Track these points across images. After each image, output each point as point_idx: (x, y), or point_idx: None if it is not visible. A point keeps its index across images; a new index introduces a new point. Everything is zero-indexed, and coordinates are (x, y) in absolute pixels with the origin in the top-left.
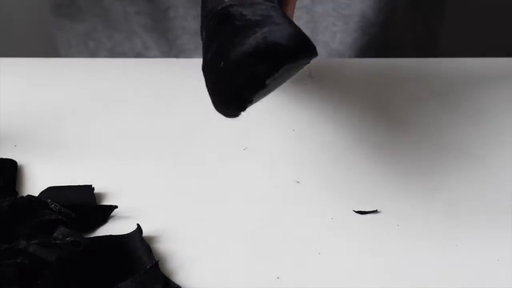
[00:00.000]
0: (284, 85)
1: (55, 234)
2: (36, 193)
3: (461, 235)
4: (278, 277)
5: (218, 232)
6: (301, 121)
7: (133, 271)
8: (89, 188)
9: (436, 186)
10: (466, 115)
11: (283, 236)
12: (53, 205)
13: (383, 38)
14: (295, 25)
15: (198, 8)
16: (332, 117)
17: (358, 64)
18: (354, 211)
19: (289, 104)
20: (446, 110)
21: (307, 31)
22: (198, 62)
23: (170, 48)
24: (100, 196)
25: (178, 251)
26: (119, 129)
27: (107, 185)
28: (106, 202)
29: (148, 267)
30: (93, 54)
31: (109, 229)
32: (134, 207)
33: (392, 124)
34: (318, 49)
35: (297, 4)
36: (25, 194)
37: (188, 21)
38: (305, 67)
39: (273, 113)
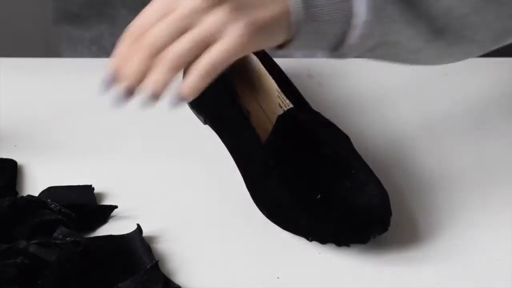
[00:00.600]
0: None
1: (55, 234)
2: (36, 193)
3: (461, 235)
4: (278, 277)
5: (218, 232)
6: None
7: (133, 271)
8: (89, 188)
9: (436, 186)
10: (466, 115)
11: (283, 236)
12: (53, 205)
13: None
14: None
15: None
16: (332, 117)
17: (358, 64)
18: None
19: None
20: (447, 110)
21: None
22: None
23: None
24: (100, 196)
25: (178, 251)
26: (119, 129)
27: (107, 185)
28: (106, 202)
29: (148, 267)
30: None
31: (109, 229)
32: (134, 207)
33: (392, 124)
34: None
35: None
36: (25, 194)
37: None
38: (305, 67)
39: None
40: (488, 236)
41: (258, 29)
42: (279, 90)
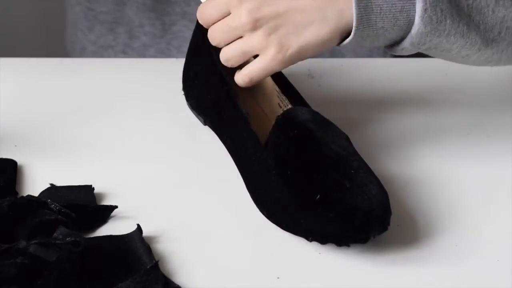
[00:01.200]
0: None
1: (55, 234)
2: (36, 193)
3: (461, 235)
4: (278, 277)
5: (218, 233)
6: None
7: (133, 271)
8: (89, 188)
9: (436, 186)
10: (466, 115)
11: (283, 236)
12: (53, 205)
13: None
14: None
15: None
16: (332, 116)
17: (358, 64)
18: None
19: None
20: (447, 110)
21: None
22: None
23: (165, 33)
24: (100, 196)
25: (178, 251)
26: (119, 129)
27: (107, 185)
28: (106, 202)
29: (148, 267)
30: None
31: (109, 229)
32: (134, 207)
33: (392, 124)
34: None
35: None
36: (25, 194)
37: (192, 6)
38: (305, 67)
39: None
40: (488, 236)
41: (296, 53)
42: (278, 90)
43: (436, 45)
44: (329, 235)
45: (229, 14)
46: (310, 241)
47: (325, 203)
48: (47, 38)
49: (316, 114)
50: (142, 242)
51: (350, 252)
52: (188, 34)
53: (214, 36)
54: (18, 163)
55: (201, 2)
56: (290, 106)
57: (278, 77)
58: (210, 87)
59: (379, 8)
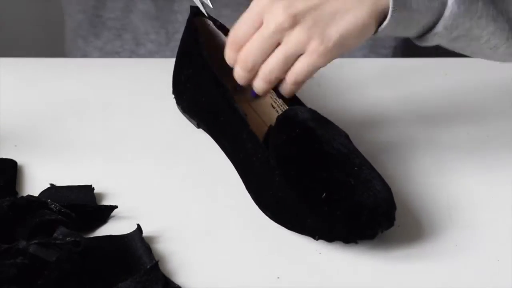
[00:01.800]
0: None
1: (55, 234)
2: (36, 193)
3: (461, 235)
4: (278, 277)
5: (218, 233)
6: None
7: (133, 271)
8: (89, 188)
9: (436, 186)
10: (466, 115)
11: (283, 236)
12: (53, 205)
13: (383, 37)
14: None
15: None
16: (332, 116)
17: (358, 64)
18: None
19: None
20: (447, 110)
21: None
22: None
23: (169, 41)
24: (100, 196)
25: (178, 251)
26: (119, 129)
27: (107, 185)
28: (106, 202)
29: (148, 267)
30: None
31: (109, 229)
32: (134, 207)
33: (392, 124)
34: None
35: None
36: (25, 194)
37: None
38: None
39: None
40: (488, 236)
41: (338, 42)
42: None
43: (467, 31)
44: (337, 233)
45: (261, 25)
46: (317, 239)
47: (331, 201)
48: (47, 38)
49: (315, 113)
50: (142, 242)
51: (350, 252)
52: None
53: (249, 57)
54: (18, 163)
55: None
56: (283, 105)
57: None
58: (203, 90)
59: None
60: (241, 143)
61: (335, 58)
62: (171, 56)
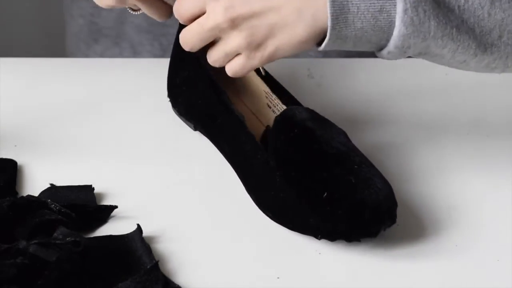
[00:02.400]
0: (284, 85)
1: (55, 234)
2: (36, 193)
3: (461, 235)
4: (278, 277)
5: (218, 233)
6: None
7: (133, 271)
8: (89, 188)
9: (436, 186)
10: (466, 115)
11: (283, 236)
12: (53, 205)
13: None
14: None
15: None
16: (332, 116)
17: (358, 64)
18: None
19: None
20: (447, 110)
21: None
22: None
23: (164, 53)
24: (100, 196)
25: (178, 251)
26: (119, 129)
27: (107, 185)
28: (106, 202)
29: (148, 267)
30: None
31: (109, 229)
32: (134, 207)
33: (392, 124)
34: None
35: None
36: (25, 194)
37: None
38: (305, 67)
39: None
40: (488, 236)
41: (272, 54)
42: (267, 90)
43: (425, 49)
44: (340, 232)
45: (204, 11)
46: (319, 239)
47: (333, 200)
48: (47, 38)
49: (312, 112)
50: (142, 242)
51: (349, 252)
52: None
53: (187, 40)
54: (18, 163)
55: None
56: (280, 105)
57: (266, 77)
58: (200, 93)
59: (356, 8)
60: (240, 145)
61: (270, 62)
62: None
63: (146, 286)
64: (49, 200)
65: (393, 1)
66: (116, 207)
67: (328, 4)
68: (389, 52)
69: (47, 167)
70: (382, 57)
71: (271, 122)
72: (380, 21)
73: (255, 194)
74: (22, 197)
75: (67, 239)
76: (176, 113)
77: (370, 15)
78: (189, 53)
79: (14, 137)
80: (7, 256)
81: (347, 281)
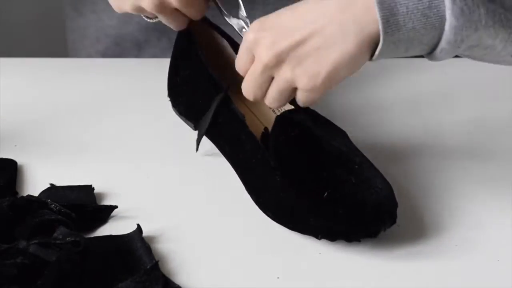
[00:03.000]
0: None
1: (55, 234)
2: (36, 193)
3: (461, 235)
4: (278, 277)
5: (218, 232)
6: None
7: (133, 271)
8: (89, 188)
9: (436, 186)
10: (467, 115)
11: (283, 236)
12: (53, 205)
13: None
14: None
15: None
16: (332, 116)
17: None
18: None
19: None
20: (447, 110)
21: None
22: None
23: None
24: (100, 196)
25: (178, 251)
26: (119, 129)
27: (107, 185)
28: (106, 202)
29: (148, 267)
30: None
31: (109, 229)
32: (134, 207)
33: (392, 124)
34: None
35: None
36: (25, 194)
37: None
38: None
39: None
40: (488, 236)
41: (327, 78)
42: None
43: (478, 41)
44: (340, 232)
45: (253, 60)
46: (320, 239)
47: (333, 200)
48: (47, 38)
49: (313, 112)
50: (142, 242)
51: (349, 252)
52: None
53: (247, 91)
54: (18, 163)
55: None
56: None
57: None
58: (201, 92)
59: (405, 8)
60: (240, 145)
61: (329, 89)
62: None
63: (146, 286)
64: (49, 200)
65: None
66: (116, 207)
67: (376, 8)
68: (442, 50)
69: (47, 167)
70: (435, 59)
71: (271, 122)
72: (431, 17)
73: (255, 194)
74: (22, 197)
75: (67, 239)
76: (176, 112)
77: (420, 14)
78: (189, 52)
79: (14, 137)
80: (7, 256)
81: (347, 281)
